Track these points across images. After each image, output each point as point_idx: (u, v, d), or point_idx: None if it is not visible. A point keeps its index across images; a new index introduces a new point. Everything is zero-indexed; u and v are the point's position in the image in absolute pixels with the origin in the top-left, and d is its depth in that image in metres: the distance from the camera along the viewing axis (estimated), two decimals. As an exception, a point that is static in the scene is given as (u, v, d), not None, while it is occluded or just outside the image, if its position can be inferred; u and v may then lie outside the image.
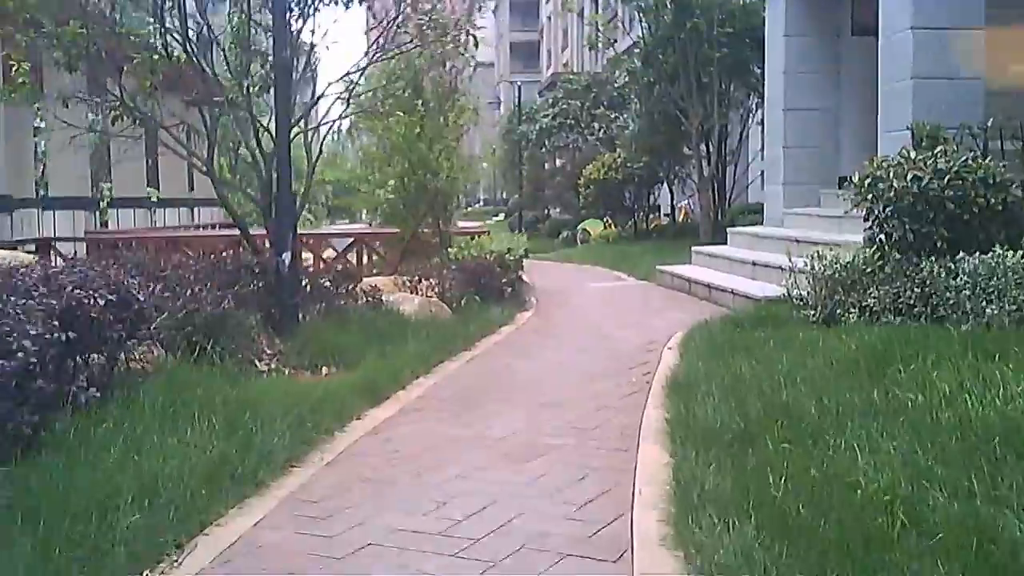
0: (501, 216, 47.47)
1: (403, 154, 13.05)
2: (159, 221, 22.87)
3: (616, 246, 21.02)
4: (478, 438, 5.59)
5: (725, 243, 14.04)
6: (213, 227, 22.93)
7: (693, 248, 14.11)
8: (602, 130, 28.43)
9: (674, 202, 22.78)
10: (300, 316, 8.55)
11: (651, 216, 24.26)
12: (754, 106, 18.89)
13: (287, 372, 7.55)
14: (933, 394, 4.79)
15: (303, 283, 8.98)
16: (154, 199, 21.60)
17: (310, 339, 8.00)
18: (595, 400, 6.43)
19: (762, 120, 19.11)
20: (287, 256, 8.27)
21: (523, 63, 63.16)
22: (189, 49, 8.83)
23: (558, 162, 31.28)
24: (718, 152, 18.35)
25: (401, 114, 12.89)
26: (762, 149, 19.63)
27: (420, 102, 13.19)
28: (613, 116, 27.67)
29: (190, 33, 8.96)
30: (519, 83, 34.01)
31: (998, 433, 4.07)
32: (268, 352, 7.91)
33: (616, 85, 28.54)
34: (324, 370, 7.61)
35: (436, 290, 10.75)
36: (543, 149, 31.07)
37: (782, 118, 13.31)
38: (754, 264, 11.49)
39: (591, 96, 28.50)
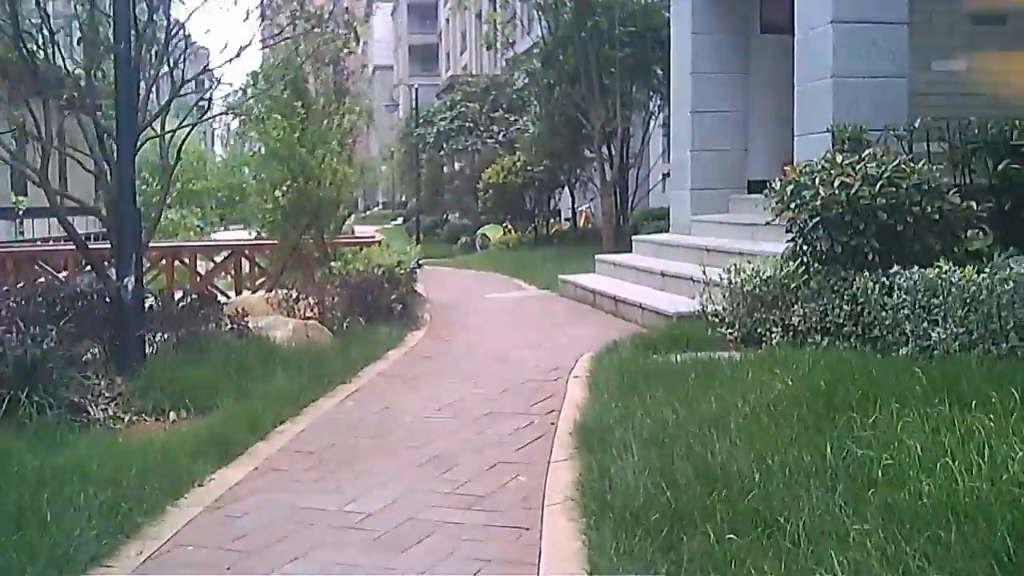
0: (400, 220, 46.07)
1: (282, 160, 11.74)
2: (29, 232, 20.98)
3: (516, 252, 20.04)
4: (346, 514, 4.43)
5: (630, 251, 13.16)
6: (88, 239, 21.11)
7: (597, 256, 13.18)
8: (501, 133, 27.52)
9: (575, 206, 21.93)
10: (149, 349, 7.25)
11: (552, 221, 23.40)
12: (656, 108, 18.17)
13: (127, 419, 6.26)
14: (902, 454, 3.84)
15: (152, 307, 7.68)
16: (20, 209, 19.63)
17: (158, 377, 6.71)
18: (491, 451, 5.34)
19: (664, 123, 18.47)
20: (130, 281, 6.95)
21: (422, 66, 61.87)
22: (20, 43, 7.41)
23: (457, 165, 30.21)
24: (620, 156, 17.50)
25: (279, 117, 11.61)
26: (664, 153, 18.97)
27: (301, 104, 11.92)
28: (512, 119, 26.76)
29: (25, 24, 7.57)
30: (416, 86, 32.75)
31: (999, 516, 3.13)
32: (107, 395, 6.59)
33: (515, 87, 27.66)
34: (172, 416, 6.35)
35: (315, 310, 9.52)
36: (441, 152, 29.96)
37: (689, 120, 12.47)
38: (663, 275, 10.59)
39: (490, 99, 27.55)
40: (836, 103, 8.90)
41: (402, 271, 11.08)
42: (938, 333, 5.91)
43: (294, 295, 9.67)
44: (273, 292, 10.50)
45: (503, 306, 12.49)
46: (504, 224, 23.76)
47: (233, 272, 15.11)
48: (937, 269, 6.18)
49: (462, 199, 27.72)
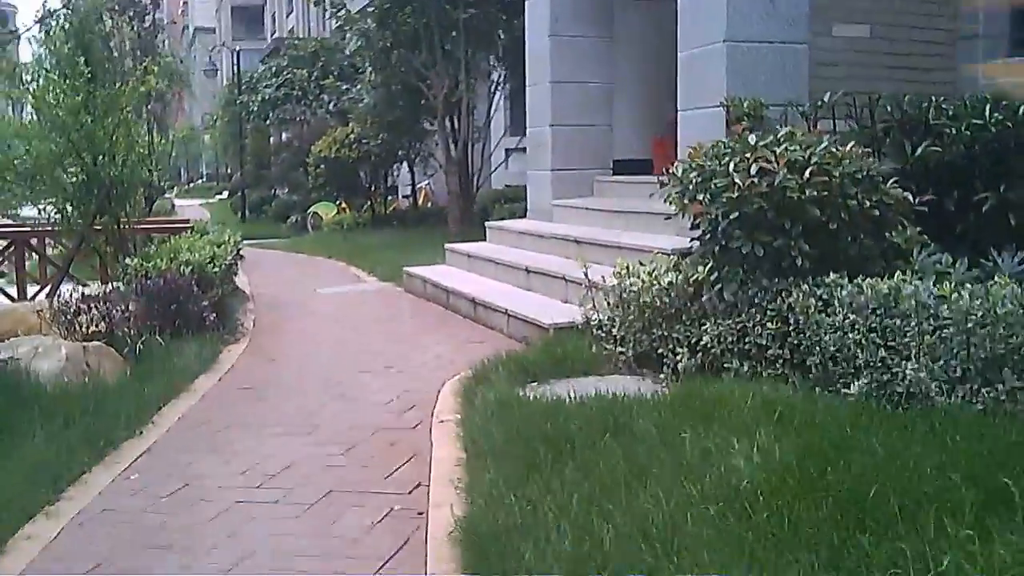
0: (225, 194, 42.74)
1: (62, 131, 9.41)
2: None
3: (352, 234, 18.07)
4: None
5: (483, 238, 11.55)
6: None
7: (447, 246, 11.48)
8: (332, 103, 25.26)
9: (415, 184, 20.15)
10: None
11: (389, 199, 21.52)
12: (501, 78, 16.57)
13: None
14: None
15: None
16: None
17: None
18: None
19: (509, 95, 16.92)
20: None
21: (245, 28, 58.02)
22: None
23: (284, 136, 27.69)
24: (465, 130, 15.79)
25: (54, 77, 9.30)
26: (507, 128, 17.47)
27: (85, 61, 9.57)
28: (344, 87, 24.57)
29: None
30: (239, 49, 29.87)
31: None
32: None
33: (348, 52, 25.46)
34: None
35: (103, 324, 7.45)
36: (267, 122, 27.36)
37: (548, 91, 10.93)
38: (528, 271, 9.05)
39: (319, 64, 25.17)
40: (729, 72, 7.56)
41: (216, 268, 9.08)
42: (908, 368, 4.60)
43: (73, 306, 7.54)
44: (51, 300, 8.30)
45: (340, 305, 10.65)
46: (338, 202, 21.70)
47: (16, 269, 12.51)
48: (901, 281, 4.89)
49: (290, 174, 25.27)
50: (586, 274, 6.88)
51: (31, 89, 9.65)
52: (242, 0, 61.59)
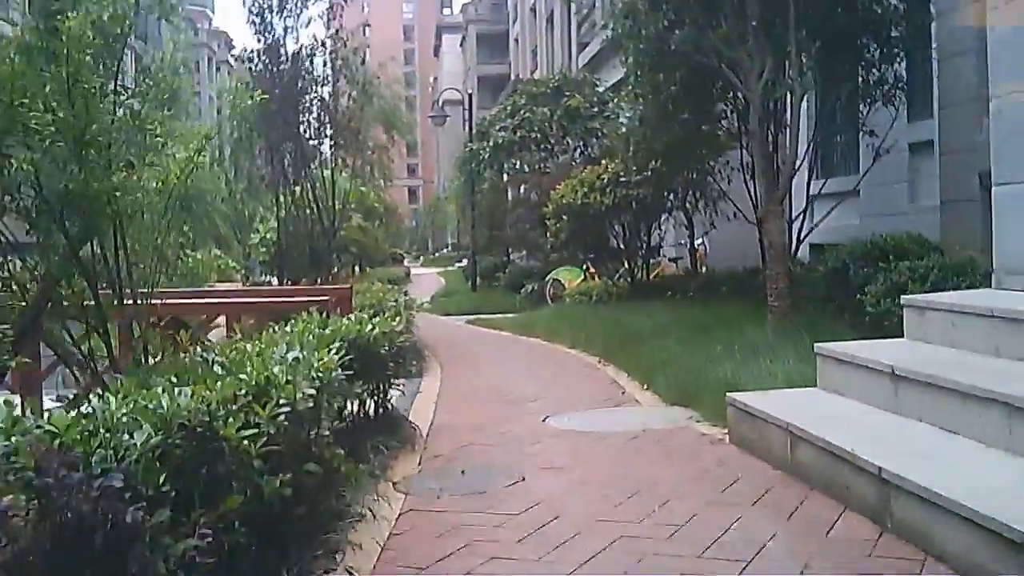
0: (464, 262, 38.66)
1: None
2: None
3: (605, 309, 12.34)
4: None
5: (861, 327, 5.43)
6: None
7: (822, 348, 5.27)
8: (578, 149, 20.01)
9: (693, 238, 14.07)
10: None
11: (652, 262, 15.55)
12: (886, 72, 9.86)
13: None
14: None
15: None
16: None
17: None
18: None
19: (818, 112, 10.62)
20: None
21: (492, 96, 55.08)
22: None
23: (522, 191, 22.60)
24: (792, 150, 9.47)
25: None
26: (814, 169, 11.19)
27: None
28: (593, 127, 19.23)
29: None
30: (472, 92, 25.44)
31: None
32: None
33: (600, 86, 20.17)
34: None
35: None
36: (503, 174, 22.46)
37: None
38: None
39: (563, 102, 19.98)
40: None
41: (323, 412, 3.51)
42: None
43: None
44: None
45: (595, 470, 4.78)
46: (584, 266, 16.14)
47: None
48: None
49: (527, 234, 20.04)
50: None
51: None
52: (488, 70, 59.30)
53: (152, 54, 4.94)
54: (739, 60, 8.81)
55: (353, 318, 5.41)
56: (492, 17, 60.34)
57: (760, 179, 8.71)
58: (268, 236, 15.98)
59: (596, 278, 15.84)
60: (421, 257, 69.36)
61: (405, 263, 47.59)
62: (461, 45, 67.18)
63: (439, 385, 7.86)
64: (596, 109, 19.60)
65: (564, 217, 13.95)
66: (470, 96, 24.18)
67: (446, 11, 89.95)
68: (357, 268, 28.66)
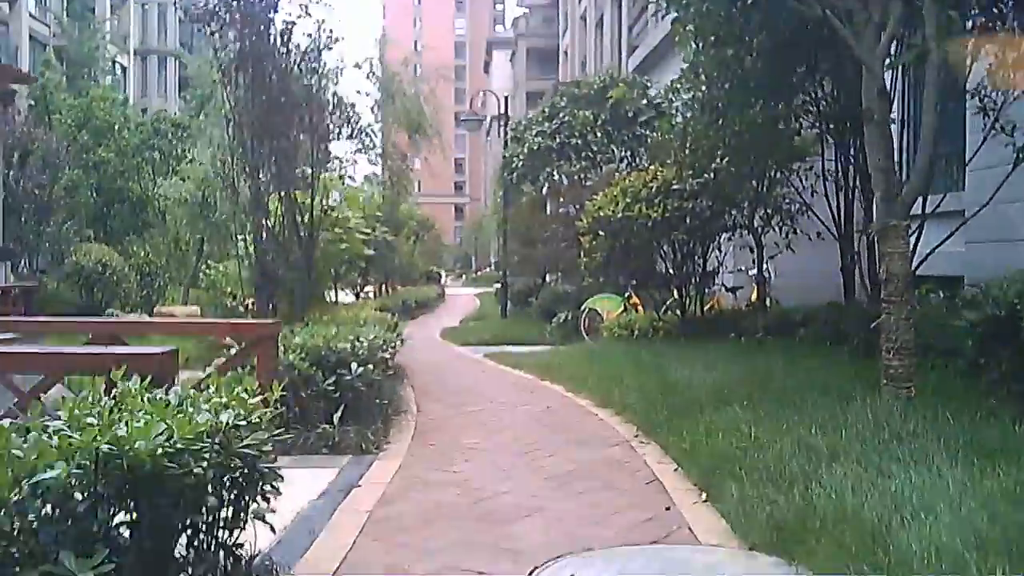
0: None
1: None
2: None
3: (650, 349, 9.56)
4: None
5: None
6: None
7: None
8: (624, 158, 17.29)
9: (761, 264, 11.18)
10: None
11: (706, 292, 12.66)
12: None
13: None
14: None
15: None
16: None
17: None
18: None
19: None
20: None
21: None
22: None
23: (561, 203, 19.79)
24: (931, 131, 6.52)
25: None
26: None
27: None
28: (644, 132, 16.52)
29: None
30: (508, 95, 22.87)
31: None
32: None
33: (652, 89, 17.47)
34: None
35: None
36: (540, 186, 19.72)
37: None
38: None
39: (608, 104, 17.27)
40: None
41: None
42: None
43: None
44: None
45: None
46: (626, 294, 13.37)
47: None
48: None
49: (563, 254, 17.29)
50: None
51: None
52: (537, 86, 56.99)
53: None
54: (851, 11, 6.04)
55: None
56: (543, 31, 58.38)
57: (877, 180, 5.89)
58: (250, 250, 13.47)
59: (639, 309, 13.08)
60: (464, 276, 67.00)
61: (443, 282, 45.14)
62: (511, 60, 64.99)
63: (387, 482, 5.16)
64: (644, 117, 16.93)
65: (601, 233, 11.20)
66: (506, 99, 21.36)
67: (499, 28, 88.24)
68: (383, 287, 26.11)
